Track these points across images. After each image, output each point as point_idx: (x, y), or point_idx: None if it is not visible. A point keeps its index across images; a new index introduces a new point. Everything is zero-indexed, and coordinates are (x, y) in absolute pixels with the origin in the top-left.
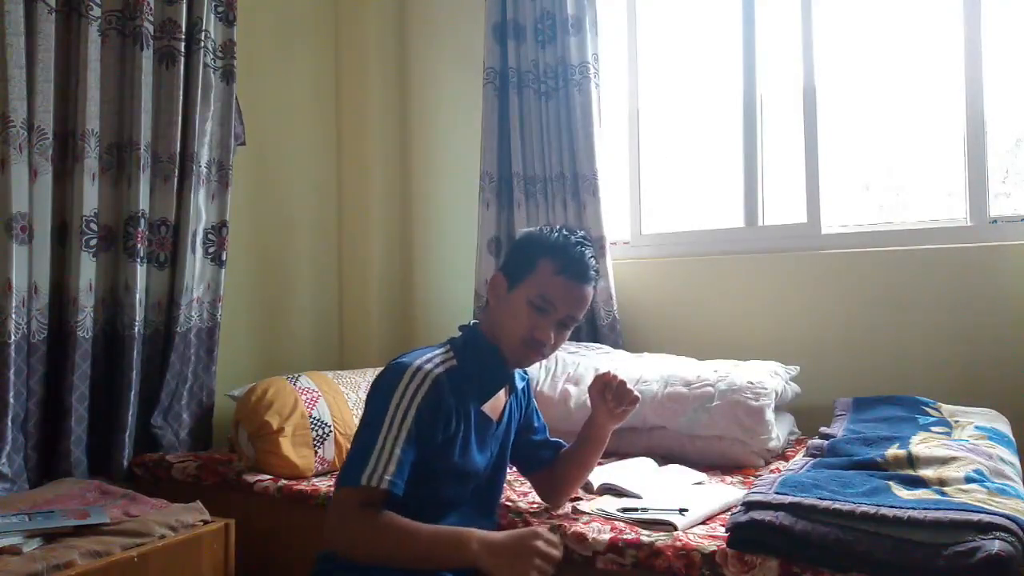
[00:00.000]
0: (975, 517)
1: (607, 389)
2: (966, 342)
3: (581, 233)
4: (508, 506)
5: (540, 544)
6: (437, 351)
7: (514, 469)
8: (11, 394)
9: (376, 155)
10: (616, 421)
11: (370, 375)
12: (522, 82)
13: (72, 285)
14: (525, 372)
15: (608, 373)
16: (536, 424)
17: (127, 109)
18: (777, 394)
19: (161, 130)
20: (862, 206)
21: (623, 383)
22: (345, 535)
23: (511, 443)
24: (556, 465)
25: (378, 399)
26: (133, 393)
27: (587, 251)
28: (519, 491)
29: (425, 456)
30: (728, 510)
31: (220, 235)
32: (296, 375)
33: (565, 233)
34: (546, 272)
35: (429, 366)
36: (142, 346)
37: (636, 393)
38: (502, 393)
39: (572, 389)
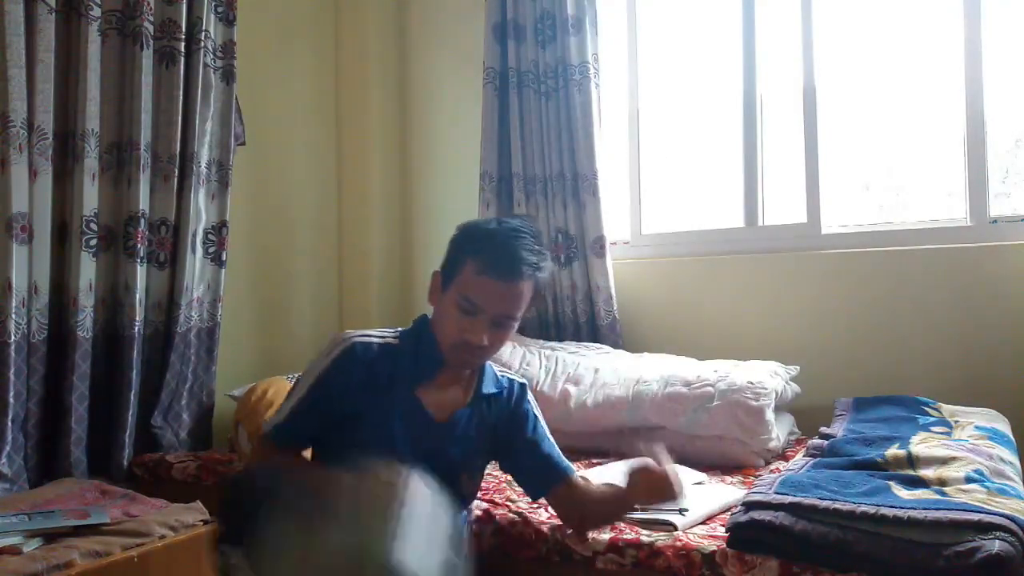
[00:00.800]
0: (975, 517)
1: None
2: (966, 342)
3: (517, 222)
4: (508, 506)
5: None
6: (385, 330)
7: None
8: (11, 394)
9: (376, 155)
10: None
11: None
12: (522, 82)
13: (72, 285)
14: (507, 381)
15: (660, 469)
16: (529, 435)
17: (127, 109)
18: (777, 394)
19: (161, 130)
20: (862, 206)
21: (666, 483)
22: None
23: (476, 452)
24: (578, 502)
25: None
26: (133, 393)
27: (518, 243)
28: (519, 491)
29: (333, 422)
30: (728, 510)
31: (220, 235)
32: (296, 375)
33: (494, 227)
34: (469, 273)
35: (356, 334)
36: (142, 346)
37: (679, 505)
38: (460, 395)
39: (572, 389)
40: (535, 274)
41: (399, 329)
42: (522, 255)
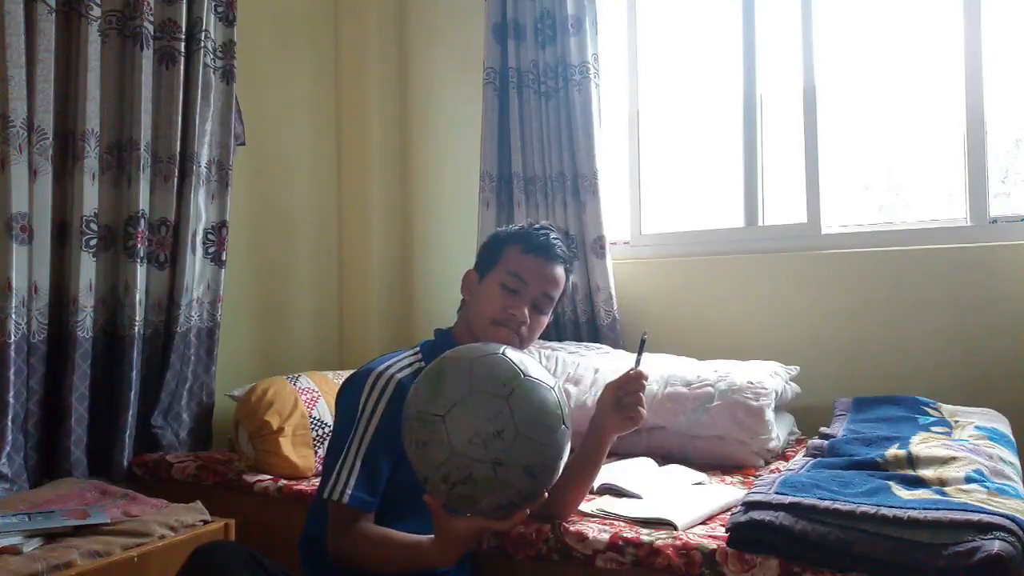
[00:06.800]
0: (975, 517)
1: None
2: (966, 342)
3: (546, 222)
4: None
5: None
6: (406, 353)
7: None
8: (11, 394)
9: (376, 155)
10: (618, 428)
11: None
12: (522, 82)
13: (72, 285)
14: None
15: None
16: None
17: (127, 109)
18: (777, 394)
19: (161, 130)
20: (862, 206)
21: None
22: (335, 550)
23: None
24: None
25: (344, 407)
26: (133, 393)
27: (551, 234)
28: None
29: (396, 464)
30: (728, 510)
31: (220, 235)
32: (296, 375)
33: (529, 223)
34: (514, 254)
35: (392, 370)
36: (142, 346)
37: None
38: None
39: (572, 389)
40: (567, 264)
41: (416, 348)
42: (556, 242)
